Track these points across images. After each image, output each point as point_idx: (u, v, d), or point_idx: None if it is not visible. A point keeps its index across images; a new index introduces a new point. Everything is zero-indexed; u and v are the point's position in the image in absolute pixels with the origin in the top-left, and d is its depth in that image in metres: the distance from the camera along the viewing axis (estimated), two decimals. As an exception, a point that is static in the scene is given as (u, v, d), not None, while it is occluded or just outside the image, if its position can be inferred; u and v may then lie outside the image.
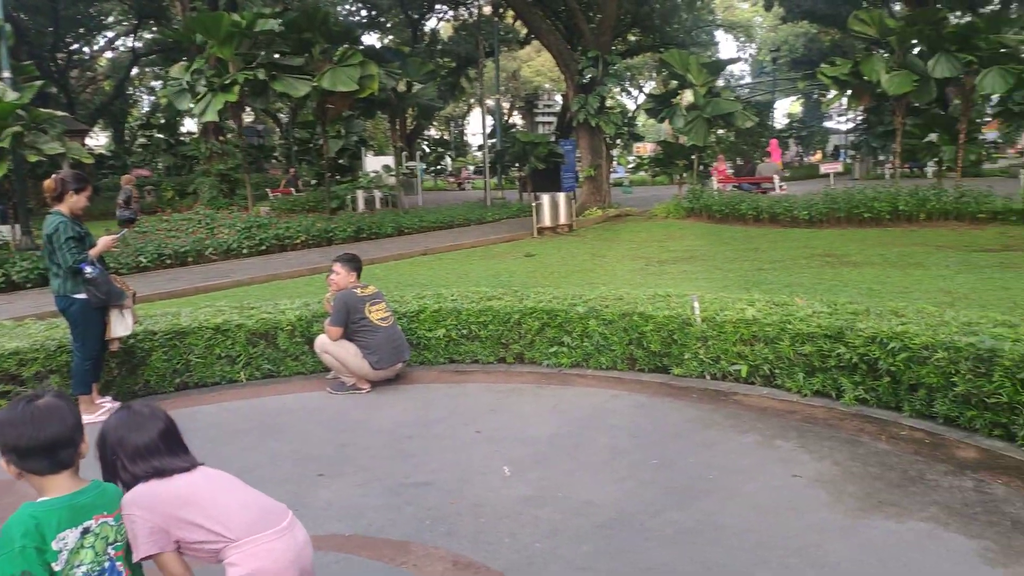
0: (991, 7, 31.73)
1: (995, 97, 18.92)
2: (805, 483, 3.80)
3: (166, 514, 2.04)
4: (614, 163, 34.96)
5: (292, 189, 26.65)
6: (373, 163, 29.68)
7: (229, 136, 24.68)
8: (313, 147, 28.04)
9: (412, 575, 3.13)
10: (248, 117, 47.16)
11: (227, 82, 16.88)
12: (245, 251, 14.76)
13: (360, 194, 23.14)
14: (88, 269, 5.17)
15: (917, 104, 16.84)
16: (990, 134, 32.61)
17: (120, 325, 5.43)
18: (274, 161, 39.48)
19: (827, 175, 26.16)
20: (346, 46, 17.95)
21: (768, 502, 3.61)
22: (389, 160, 27.77)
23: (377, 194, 23.90)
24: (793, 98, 64.59)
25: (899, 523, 3.33)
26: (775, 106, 51.36)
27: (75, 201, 5.26)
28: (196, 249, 14.10)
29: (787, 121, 57.96)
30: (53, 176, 5.32)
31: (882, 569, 2.98)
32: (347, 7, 37.47)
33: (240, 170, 21.27)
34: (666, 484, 3.87)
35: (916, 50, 16.70)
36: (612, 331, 5.96)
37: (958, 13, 31.80)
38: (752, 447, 4.33)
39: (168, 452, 2.15)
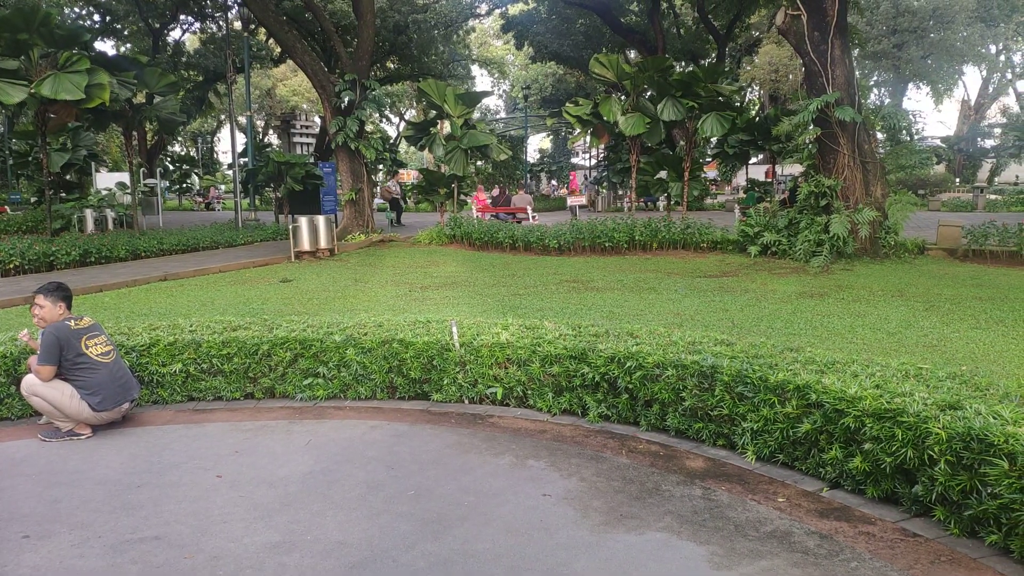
0: (708, 60, 36.36)
1: (714, 140, 21.61)
2: (554, 501, 3.93)
3: None
4: (377, 188, 34.86)
5: (6, 207, 23.21)
6: (106, 180, 26.87)
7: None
8: (33, 160, 24.75)
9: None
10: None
11: (-83, 81, 14.37)
12: (-62, 278, 12.57)
13: (89, 214, 20.80)
14: None
15: (649, 144, 18.68)
16: (710, 173, 37.18)
17: None
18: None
19: (574, 207, 28.12)
20: (72, 51, 16.09)
21: (521, 524, 3.68)
22: (125, 177, 25.29)
23: (110, 214, 21.64)
24: (544, 134, 69.03)
25: (639, 535, 3.55)
26: (528, 141, 54.44)
27: None
28: None
29: (538, 156, 61.71)
30: None
31: (623, 580, 3.14)
32: (77, 10, 33.77)
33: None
34: (422, 515, 3.80)
35: (648, 94, 18.58)
36: (371, 359, 5.81)
37: (683, 63, 36.01)
38: (506, 469, 4.41)
39: None
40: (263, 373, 5.92)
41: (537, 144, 72.37)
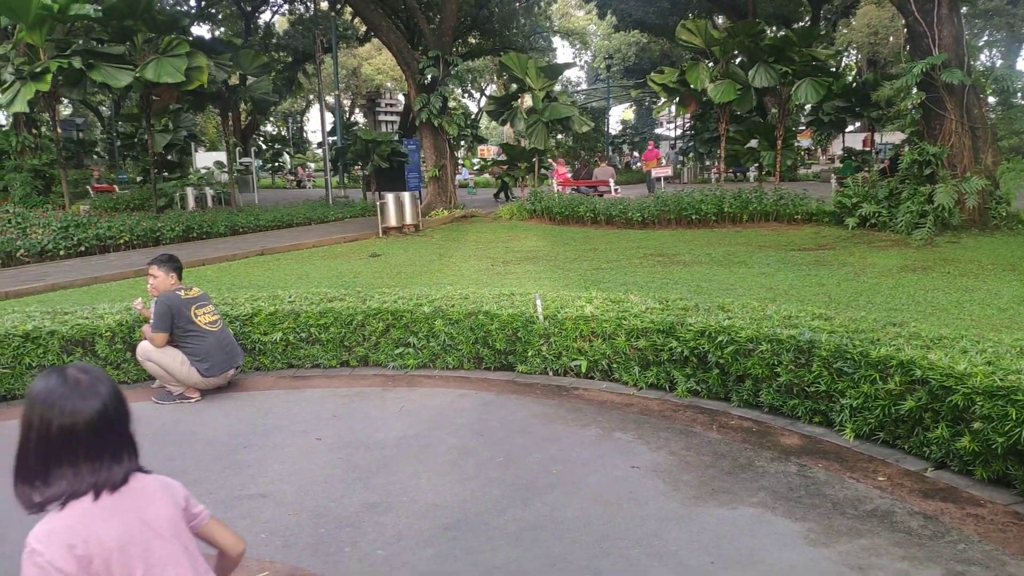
0: (802, 23, 34.85)
1: (808, 107, 20.74)
2: (643, 474, 3.93)
3: None
4: (459, 164, 35.12)
5: (115, 187, 24.57)
6: (205, 159, 28.06)
7: (43, 129, 22.43)
8: (138, 142, 26.07)
9: (246, 596, 2.91)
10: (66, 109, 43.20)
11: (38, 70, 15.30)
12: (62, 252, 13.51)
13: (190, 191, 21.78)
14: None
15: (739, 112, 18.11)
16: (804, 142, 35.80)
17: None
18: (95, 157, 36.33)
19: (658, 179, 27.57)
20: (172, 36, 16.79)
21: (609, 494, 3.69)
22: (222, 156, 26.33)
23: (209, 192, 22.59)
24: (627, 105, 67.83)
25: (731, 509, 3.51)
26: (610, 112, 53.64)
27: None
28: (5, 251, 12.74)
29: (620, 127, 60.74)
30: None
31: (715, 554, 3.11)
32: (175, -5, 35.16)
33: (56, 166, 19.37)
34: (512, 481, 3.87)
35: (738, 60, 17.99)
36: (458, 330, 5.92)
37: (774, 27, 34.64)
38: (593, 440, 4.42)
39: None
40: (357, 342, 6.11)
41: (620, 115, 71.25)
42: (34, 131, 21.61)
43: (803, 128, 27.30)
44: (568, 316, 5.64)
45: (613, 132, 53.12)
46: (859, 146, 31.12)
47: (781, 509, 3.47)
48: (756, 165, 19.24)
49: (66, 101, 30.09)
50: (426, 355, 6.01)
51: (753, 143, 18.77)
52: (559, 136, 29.73)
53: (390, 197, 16.82)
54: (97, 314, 6.05)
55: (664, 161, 32.20)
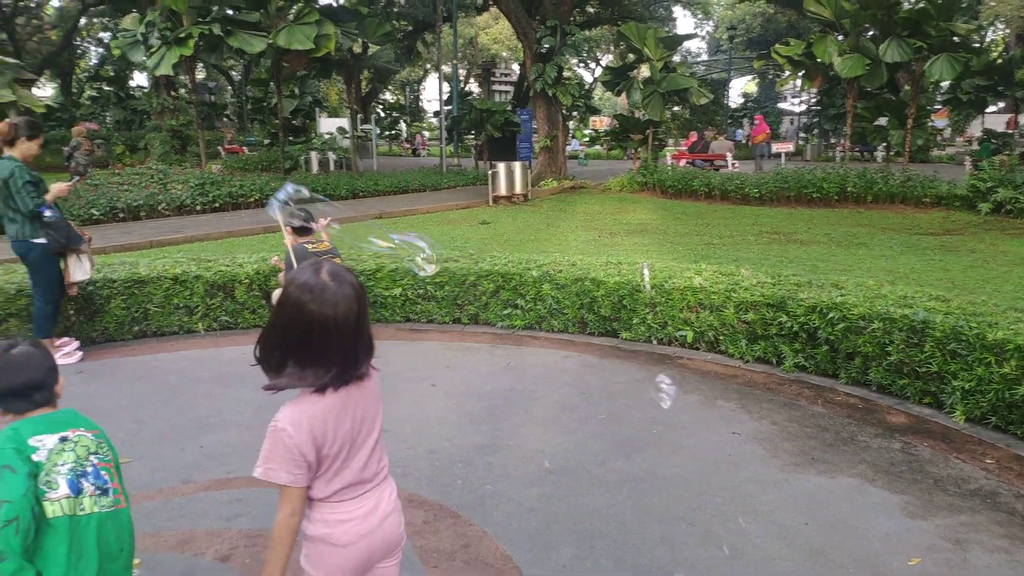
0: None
1: (945, 85, 19.45)
2: (743, 440, 4.02)
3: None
4: (570, 135, 35.03)
5: (244, 148, 26.07)
6: (327, 125, 29.18)
7: (182, 91, 24.01)
8: (267, 106, 27.43)
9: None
10: (200, 74, 45.80)
11: (181, 35, 16.41)
12: (199, 207, 14.53)
13: (314, 155, 22.82)
14: (48, 213, 5.13)
15: (868, 88, 17.25)
16: (939, 121, 33.60)
17: (78, 270, 5.40)
18: (225, 120, 38.47)
19: (778, 155, 26.65)
20: (303, 3, 17.57)
21: (708, 456, 3.82)
22: (344, 122, 27.36)
23: (331, 156, 23.58)
24: (749, 77, 65.39)
25: (829, 478, 3.57)
26: (730, 85, 51.88)
27: (27, 148, 5.17)
28: (149, 204, 13.84)
29: (742, 100, 58.68)
30: (6, 120, 5.22)
31: (810, 517, 3.20)
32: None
33: (193, 126, 20.75)
34: (612, 437, 4.05)
35: (869, 34, 17.11)
36: (565, 295, 6.11)
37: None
38: (695, 406, 4.54)
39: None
40: (469, 301, 6.42)
41: (741, 88, 68.81)
42: (172, 93, 23.18)
43: (939, 107, 25.64)
44: (676, 286, 5.73)
45: (733, 105, 51.44)
46: (1001, 128, 28.97)
47: (881, 481, 3.50)
48: (884, 144, 18.30)
49: (200, 65, 31.93)
50: (532, 317, 6.25)
51: (882, 121, 17.86)
52: (676, 108, 29.14)
53: (501, 166, 17.10)
54: (237, 263, 6.61)
55: (785, 136, 31.01)
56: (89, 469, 1.94)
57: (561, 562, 2.90)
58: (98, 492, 1.95)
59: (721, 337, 5.57)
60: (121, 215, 13.30)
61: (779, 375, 5.11)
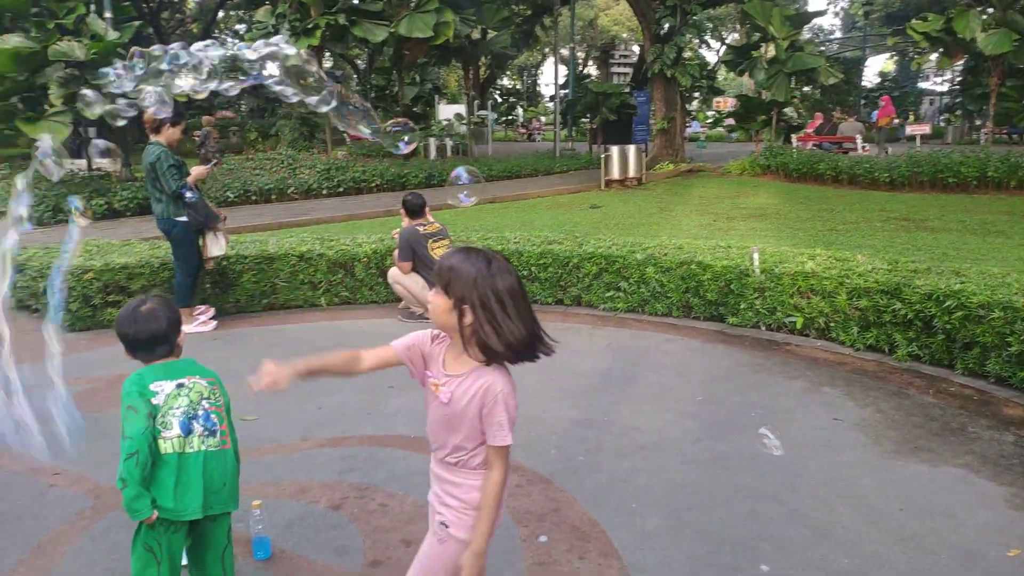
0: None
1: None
2: (846, 426, 3.95)
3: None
4: (691, 118, 34.24)
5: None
6: (446, 111, 29.88)
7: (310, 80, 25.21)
8: (389, 94, 28.40)
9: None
10: (327, 63, 47.83)
11: (309, 26, 17.28)
12: (324, 191, 15.34)
13: (432, 141, 23.45)
14: (188, 194, 5.65)
15: (1019, 65, 15.96)
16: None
17: (215, 246, 5.93)
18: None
19: (912, 137, 25.06)
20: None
21: (806, 440, 3.79)
22: (461, 109, 27.94)
23: (448, 142, 24.16)
24: (886, 56, 61.51)
25: (932, 467, 3.47)
26: (866, 63, 49.01)
27: (171, 133, 5.70)
28: (279, 187, 14.76)
29: (878, 80, 55.34)
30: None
31: (906, 503, 3.14)
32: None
33: (320, 114, 21.80)
34: (709, 418, 4.08)
35: (1019, 6, 15.80)
36: (670, 279, 6.12)
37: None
38: (798, 392, 4.48)
39: None
40: (572, 283, 6.54)
41: (878, 67, 64.83)
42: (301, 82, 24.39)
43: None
44: (786, 271, 5.62)
45: (868, 85, 48.64)
46: None
47: (987, 472, 3.38)
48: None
49: (327, 55, 33.36)
50: (635, 300, 6.29)
51: (1032, 100, 16.52)
52: (805, 89, 27.90)
53: (614, 150, 17.01)
54: (356, 243, 7.01)
55: (923, 117, 29.07)
56: (200, 412, 2.23)
57: (647, 530, 3.00)
58: (206, 433, 2.23)
59: (832, 324, 5.43)
60: (253, 198, 14.26)
61: (891, 364, 4.95)
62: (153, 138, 5.69)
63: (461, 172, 3.40)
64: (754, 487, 3.30)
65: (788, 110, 21.47)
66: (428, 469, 3.53)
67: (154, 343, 2.27)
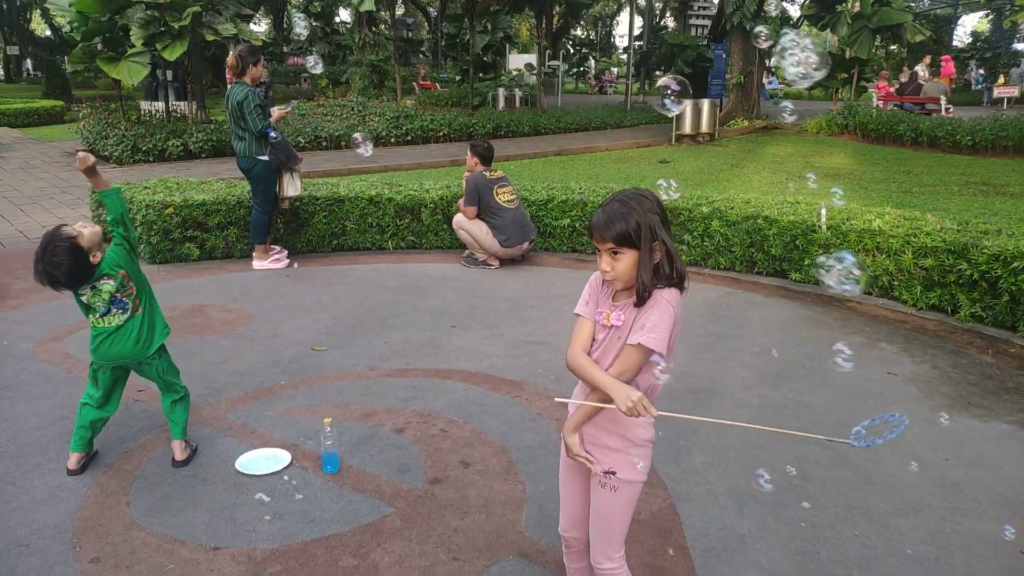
0: None
1: None
2: (899, 380, 3.99)
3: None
4: (770, 74, 33.12)
5: (437, 84, 27.22)
6: (516, 61, 29.66)
7: (381, 27, 25.32)
8: (459, 42, 28.32)
9: (523, 406, 3.65)
10: (399, 10, 47.82)
11: (382, -29, 17.32)
12: (393, 140, 15.56)
13: (501, 92, 23.38)
14: (273, 133, 5.90)
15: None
16: None
17: (291, 187, 6.20)
18: (421, 55, 40.08)
19: (1000, 100, 23.78)
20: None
21: (858, 391, 3.85)
22: (532, 59, 27.68)
23: (517, 93, 24.05)
24: (981, 13, 57.96)
25: (983, 422, 3.50)
26: (959, 22, 46.33)
27: (255, 72, 5.94)
28: (349, 134, 15.02)
29: (970, 40, 52.30)
30: (232, 53, 5.99)
31: (953, 455, 3.20)
32: None
33: (390, 62, 21.93)
34: (762, 368, 4.17)
35: None
36: (734, 232, 6.13)
37: None
38: (855, 346, 4.47)
39: None
40: (636, 234, 6.59)
41: (972, 25, 61.20)
42: (373, 29, 24.51)
43: None
44: (853, 228, 5.58)
45: (959, 45, 46.10)
46: None
47: (1040, 431, 3.39)
48: None
49: (400, 1, 33.39)
50: (699, 253, 6.33)
51: None
52: (892, 47, 26.67)
53: (687, 104, 16.68)
54: (424, 188, 7.19)
55: (1009, 80, 27.51)
56: (114, 300, 3.01)
57: (693, 466, 3.14)
58: (120, 311, 3.03)
59: (896, 283, 5.40)
60: (324, 144, 14.59)
61: (952, 324, 4.91)
62: (238, 79, 5.93)
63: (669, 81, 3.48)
64: (800, 431, 3.40)
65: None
66: (486, 401, 3.74)
67: (66, 284, 2.90)
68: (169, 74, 16.35)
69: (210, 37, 13.23)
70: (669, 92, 3.19)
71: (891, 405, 3.67)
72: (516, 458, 3.21)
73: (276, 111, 6.16)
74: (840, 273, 2.36)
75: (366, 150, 4.08)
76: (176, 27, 12.32)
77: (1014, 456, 3.16)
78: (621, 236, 1.82)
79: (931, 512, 2.80)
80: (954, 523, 2.73)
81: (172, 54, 12.40)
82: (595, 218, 1.89)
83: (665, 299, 1.84)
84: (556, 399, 2.11)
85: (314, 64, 4.61)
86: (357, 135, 4.16)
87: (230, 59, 5.97)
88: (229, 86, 6.10)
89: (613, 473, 1.96)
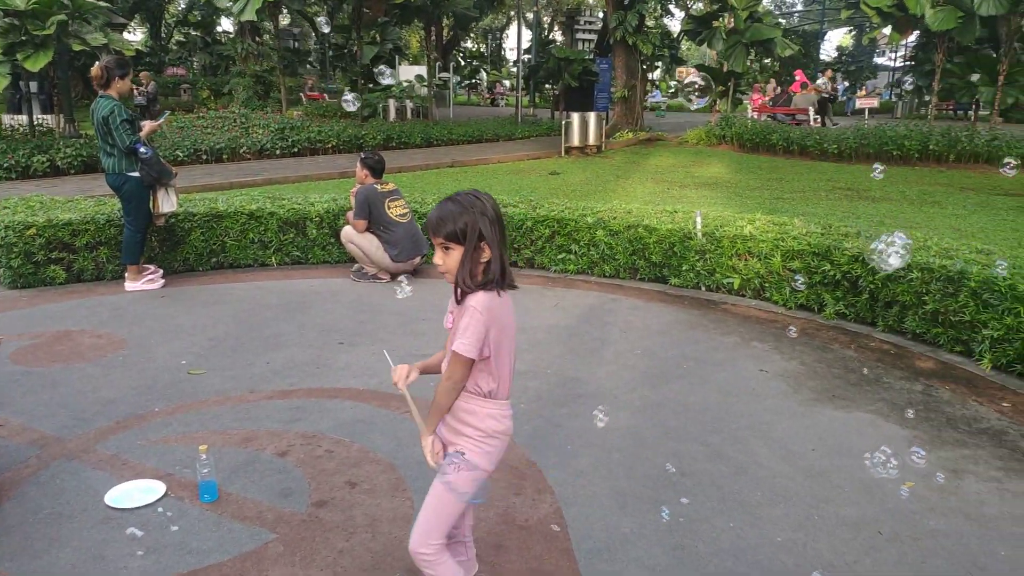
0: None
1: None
2: (770, 376, 4.21)
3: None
4: (654, 87, 34.35)
5: (324, 95, 26.72)
6: (406, 73, 29.50)
7: (266, 37, 24.68)
8: (348, 53, 27.95)
9: (413, 422, 3.63)
10: (284, 20, 46.70)
11: (266, -20, 16.92)
12: (278, 152, 15.16)
13: (392, 103, 23.22)
14: (142, 149, 5.61)
15: (962, 42, 16.41)
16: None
17: (166, 202, 5.91)
18: (308, 66, 39.29)
19: (862, 111, 25.61)
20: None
21: (733, 388, 4.04)
22: (423, 70, 27.64)
23: (409, 104, 23.96)
24: (846, 30, 62.20)
25: (846, 413, 3.75)
26: (825, 37, 49.54)
27: (122, 86, 5.65)
28: (231, 147, 14.52)
29: (836, 54, 56.05)
30: (98, 64, 5.68)
31: (818, 444, 3.41)
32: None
33: (275, 72, 21.40)
34: (644, 369, 4.31)
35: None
36: (617, 241, 6.32)
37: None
38: (730, 346, 4.73)
39: None
40: (525, 245, 6.70)
41: (837, 40, 65.57)
42: (256, 39, 23.86)
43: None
44: (727, 234, 5.86)
45: (826, 59, 49.27)
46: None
47: (895, 418, 3.66)
48: (974, 101, 17.41)
49: (284, 11, 32.66)
50: (585, 262, 6.49)
51: (974, 77, 17.01)
52: (765, 60, 28.18)
53: (575, 117, 17.10)
54: (308, 202, 7.04)
55: (867, 91, 29.57)
56: None
57: (579, 469, 3.21)
58: None
59: (767, 285, 5.70)
60: (204, 157, 14.04)
61: (819, 321, 5.24)
62: (103, 92, 5.64)
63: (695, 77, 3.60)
64: (681, 430, 3.54)
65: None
66: (375, 419, 3.69)
67: None
68: (34, 85, 15.38)
69: (77, 47, 12.51)
70: (695, 87, 3.40)
71: (762, 400, 3.87)
72: (405, 475, 3.19)
73: (147, 125, 5.89)
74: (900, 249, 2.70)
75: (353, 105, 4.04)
76: (40, 36, 11.59)
77: (871, 443, 3.39)
78: (450, 234, 1.96)
79: (799, 500, 2.96)
80: (820, 509, 2.90)
81: (35, 64, 11.66)
82: (430, 215, 2.02)
83: (471, 305, 1.99)
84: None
85: (352, 101, 4.93)
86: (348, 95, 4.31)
87: (94, 70, 5.66)
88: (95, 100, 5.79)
89: (462, 454, 2.08)
